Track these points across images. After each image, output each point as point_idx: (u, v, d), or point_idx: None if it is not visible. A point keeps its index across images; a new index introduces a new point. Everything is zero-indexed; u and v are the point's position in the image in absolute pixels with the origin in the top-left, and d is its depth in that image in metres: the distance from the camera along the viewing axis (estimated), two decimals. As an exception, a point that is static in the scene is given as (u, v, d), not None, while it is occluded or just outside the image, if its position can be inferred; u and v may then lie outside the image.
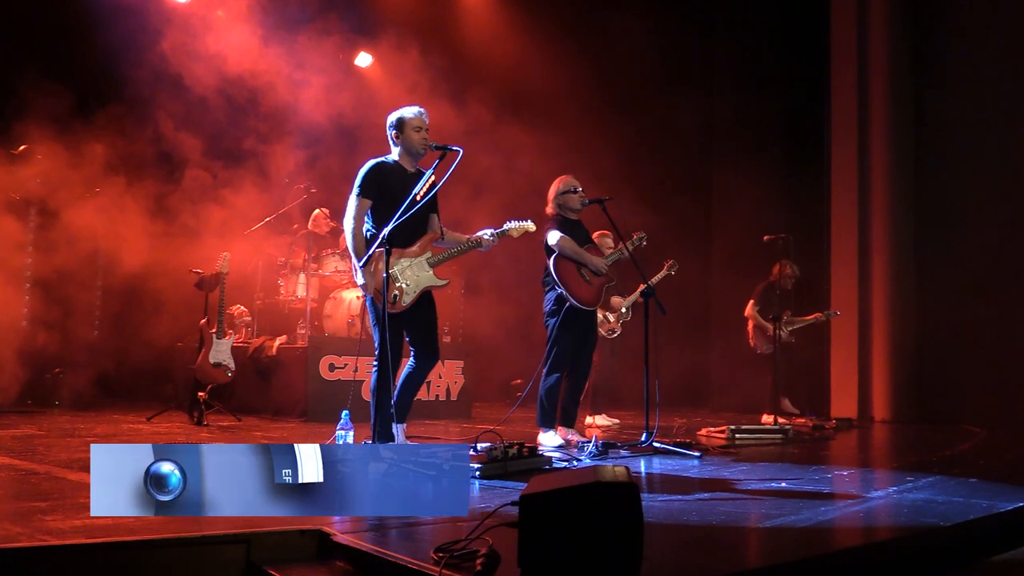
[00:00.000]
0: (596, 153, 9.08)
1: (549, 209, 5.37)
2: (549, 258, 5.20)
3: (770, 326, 7.50)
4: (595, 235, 6.63)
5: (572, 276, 5.16)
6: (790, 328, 7.72)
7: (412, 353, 4.45)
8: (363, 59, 9.67)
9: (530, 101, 9.31)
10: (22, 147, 7.20)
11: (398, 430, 4.40)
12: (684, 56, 10.26)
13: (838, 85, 9.40)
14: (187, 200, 7.65)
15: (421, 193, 4.16)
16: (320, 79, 8.62)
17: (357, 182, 4.32)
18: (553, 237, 5.16)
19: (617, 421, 7.11)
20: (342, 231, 7.73)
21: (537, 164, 8.33)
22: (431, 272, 4.39)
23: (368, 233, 4.32)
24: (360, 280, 4.22)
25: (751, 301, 7.84)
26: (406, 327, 4.40)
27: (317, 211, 7.82)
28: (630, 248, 5.42)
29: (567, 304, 5.10)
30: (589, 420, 6.93)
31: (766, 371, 7.68)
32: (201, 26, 7.95)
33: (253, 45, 8.08)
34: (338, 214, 8.05)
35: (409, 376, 4.45)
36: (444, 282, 4.43)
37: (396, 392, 4.43)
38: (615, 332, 7.13)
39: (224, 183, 7.84)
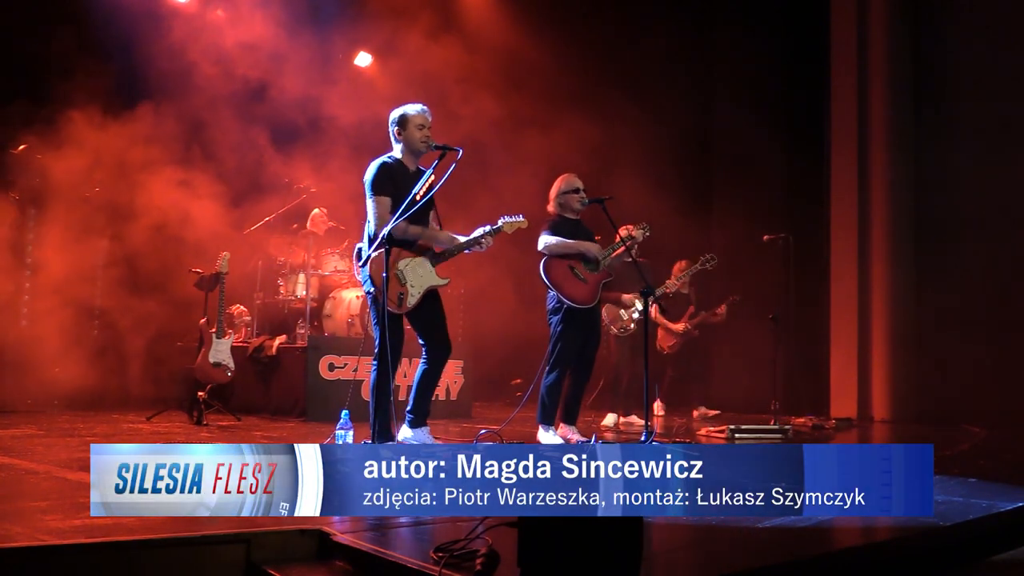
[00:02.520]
0: (594, 152, 9.08)
1: (550, 207, 5.35)
2: (541, 261, 5.19)
3: (672, 326, 7.93)
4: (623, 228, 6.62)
5: (564, 277, 5.12)
6: (694, 323, 7.95)
7: (424, 350, 4.45)
8: (363, 59, 9.66)
9: (528, 100, 9.29)
10: (22, 147, 7.19)
11: (422, 433, 4.39)
12: (684, 56, 10.25)
13: (838, 85, 9.39)
14: (187, 199, 7.64)
15: (421, 192, 4.17)
16: (319, 79, 8.61)
17: (369, 184, 4.30)
18: (541, 243, 5.15)
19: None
20: (341, 230, 7.82)
21: (535, 163, 8.33)
22: (433, 271, 4.40)
23: (371, 234, 4.32)
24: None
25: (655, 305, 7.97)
26: (414, 326, 4.42)
27: (315, 211, 7.82)
28: (638, 238, 5.37)
29: (566, 305, 5.08)
30: (616, 419, 6.96)
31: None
32: (198, 26, 7.95)
33: (251, 45, 8.08)
34: (336, 214, 8.06)
35: (424, 374, 4.45)
36: (445, 280, 4.44)
37: (412, 394, 4.45)
38: (627, 330, 7.08)
39: (224, 183, 7.83)
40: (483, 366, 8.51)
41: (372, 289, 4.21)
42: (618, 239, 5.29)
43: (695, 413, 7.88)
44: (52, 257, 7.19)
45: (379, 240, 3.95)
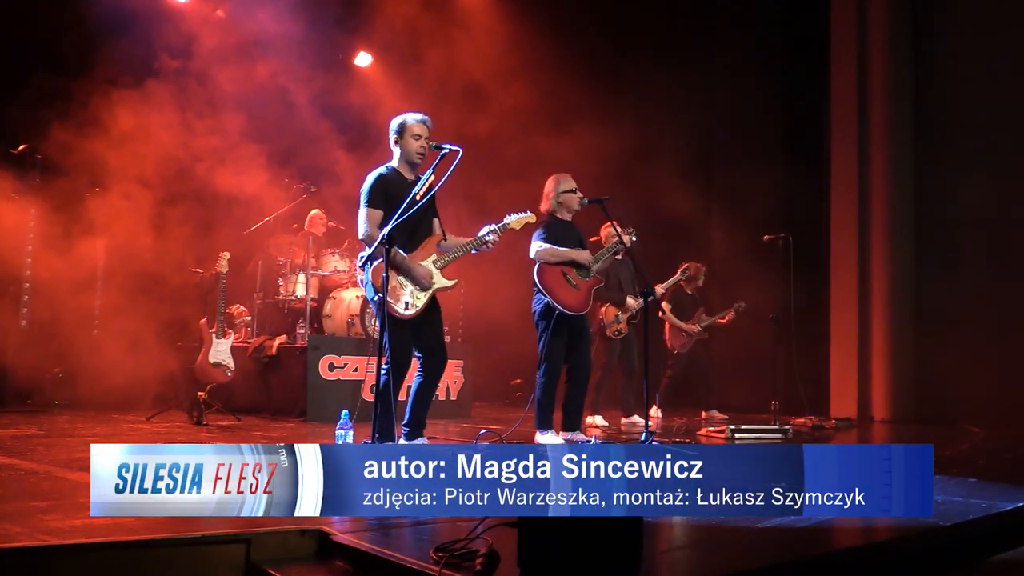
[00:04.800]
0: (593, 152, 9.08)
1: (543, 207, 5.34)
2: (534, 267, 5.18)
3: (685, 325, 7.87)
4: (603, 228, 6.63)
5: (557, 283, 5.11)
6: (703, 325, 7.96)
7: (419, 361, 4.42)
8: (363, 59, 9.66)
9: (526, 101, 9.30)
10: (22, 146, 7.20)
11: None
12: (684, 56, 10.25)
13: (838, 84, 9.40)
14: (186, 199, 7.65)
15: (421, 193, 4.16)
16: (319, 78, 8.61)
17: (364, 195, 4.30)
18: (533, 249, 5.15)
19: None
20: (341, 230, 7.82)
21: (535, 164, 8.33)
22: (438, 273, 4.39)
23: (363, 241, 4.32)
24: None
25: (663, 302, 7.93)
26: (416, 332, 4.39)
27: (314, 212, 7.84)
28: (626, 243, 5.36)
29: (556, 311, 5.08)
30: (590, 420, 6.93)
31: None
32: (197, 26, 7.95)
33: (251, 44, 8.08)
34: (336, 215, 8.07)
35: (420, 387, 4.42)
36: (452, 283, 4.42)
37: (409, 407, 4.42)
38: (620, 333, 7.09)
39: (224, 183, 7.83)
40: (483, 366, 8.51)
41: (375, 296, 4.19)
42: (614, 243, 5.29)
43: (703, 415, 7.87)
44: (51, 256, 7.18)
45: (378, 242, 3.94)
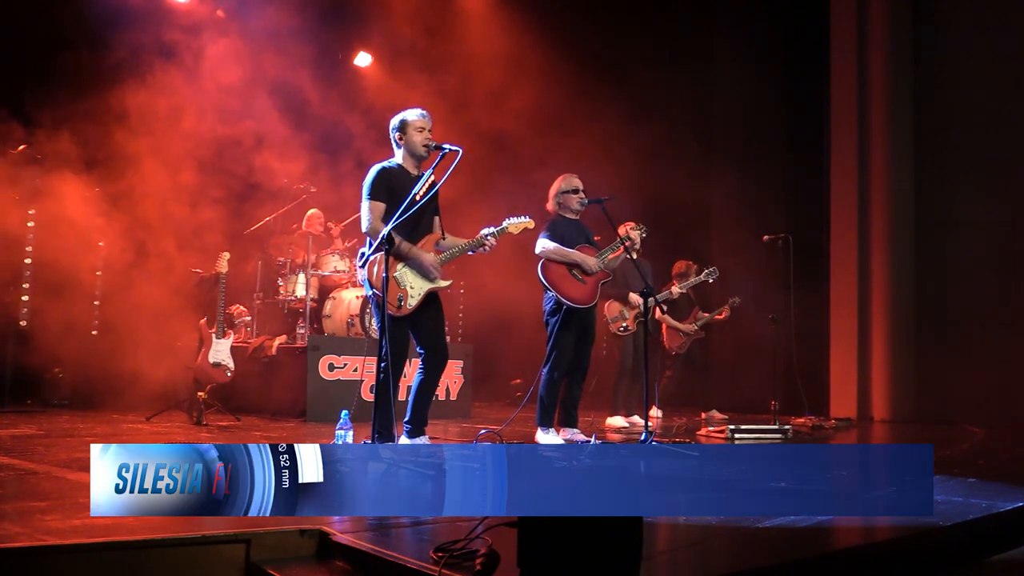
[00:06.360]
0: (593, 151, 9.08)
1: (549, 206, 5.38)
2: (538, 264, 5.19)
3: (682, 325, 7.83)
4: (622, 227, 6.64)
5: (562, 278, 5.13)
6: (700, 323, 7.94)
7: (420, 358, 4.43)
8: (363, 59, 9.66)
9: (526, 101, 9.29)
10: (21, 147, 7.19)
11: (421, 443, 4.39)
12: (683, 55, 10.26)
13: (838, 85, 9.40)
14: (187, 199, 7.64)
15: (420, 193, 4.17)
16: (319, 79, 8.61)
17: (366, 188, 4.31)
18: (538, 247, 5.17)
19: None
20: (340, 230, 7.82)
21: (535, 164, 8.34)
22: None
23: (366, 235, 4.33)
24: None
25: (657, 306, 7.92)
26: (413, 330, 4.40)
27: (312, 212, 7.84)
28: (635, 240, 5.36)
29: (565, 305, 5.08)
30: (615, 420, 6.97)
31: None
32: (198, 27, 7.95)
33: (251, 45, 8.08)
34: (335, 215, 8.06)
35: (421, 385, 4.43)
36: (447, 283, 4.42)
37: (410, 404, 4.44)
38: (627, 329, 7.09)
39: (224, 183, 7.83)
40: (483, 366, 8.50)
41: (372, 292, 4.21)
42: (617, 240, 5.29)
43: (703, 415, 7.86)
44: (52, 255, 7.18)
45: (378, 242, 3.94)
